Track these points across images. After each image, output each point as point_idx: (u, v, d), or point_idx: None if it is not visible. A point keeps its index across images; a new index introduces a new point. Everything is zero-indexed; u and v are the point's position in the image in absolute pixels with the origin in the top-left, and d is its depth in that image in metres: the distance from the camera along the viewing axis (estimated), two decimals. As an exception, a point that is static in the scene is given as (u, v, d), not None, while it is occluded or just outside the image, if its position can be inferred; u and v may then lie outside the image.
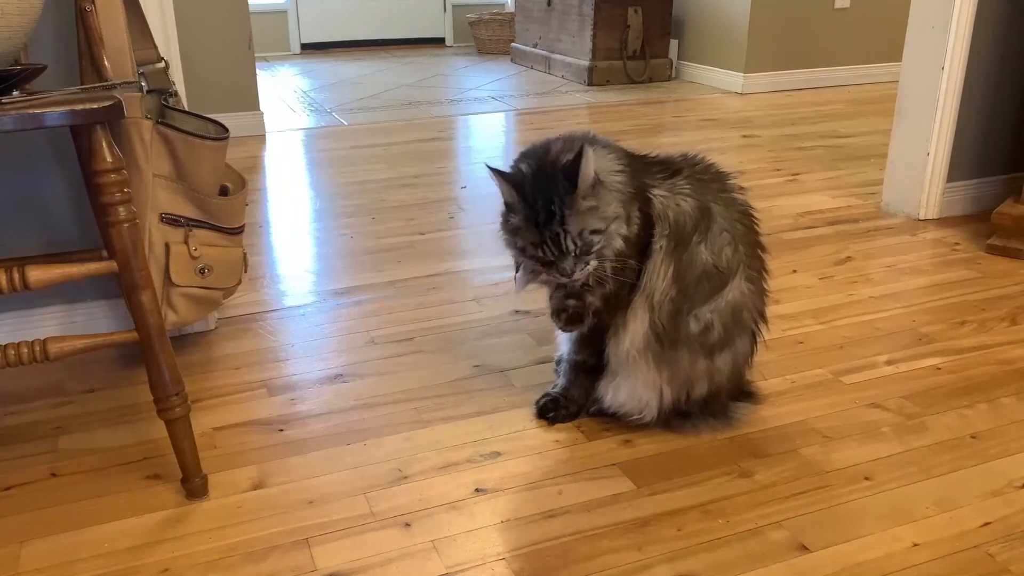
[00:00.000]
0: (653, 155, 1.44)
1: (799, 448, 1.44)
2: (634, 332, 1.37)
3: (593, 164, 1.27)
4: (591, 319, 1.41)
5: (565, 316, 1.41)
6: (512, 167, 1.36)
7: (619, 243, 1.31)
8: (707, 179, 1.40)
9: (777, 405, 1.57)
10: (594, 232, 1.28)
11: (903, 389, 1.62)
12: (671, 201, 1.35)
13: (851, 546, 1.21)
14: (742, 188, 1.44)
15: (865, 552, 1.20)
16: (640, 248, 1.35)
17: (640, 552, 1.20)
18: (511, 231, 1.34)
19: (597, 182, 1.28)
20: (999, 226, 2.28)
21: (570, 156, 1.28)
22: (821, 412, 1.55)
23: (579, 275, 1.30)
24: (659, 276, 1.35)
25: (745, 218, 1.42)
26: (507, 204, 1.34)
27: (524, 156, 1.36)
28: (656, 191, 1.36)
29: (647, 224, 1.35)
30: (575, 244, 1.28)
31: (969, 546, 1.21)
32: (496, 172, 1.32)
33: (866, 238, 2.42)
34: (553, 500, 1.31)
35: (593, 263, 1.30)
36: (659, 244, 1.35)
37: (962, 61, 2.40)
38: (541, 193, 1.28)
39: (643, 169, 1.38)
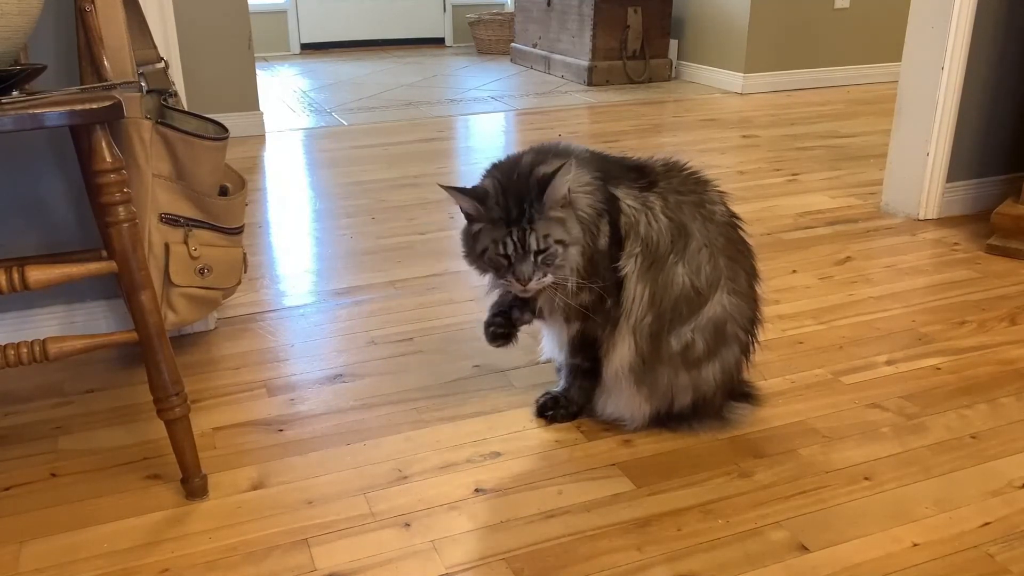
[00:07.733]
0: (631, 160, 1.44)
1: (799, 448, 1.44)
2: (621, 354, 1.39)
3: (568, 182, 1.28)
4: (579, 323, 1.41)
5: (491, 331, 1.47)
6: (480, 182, 1.37)
7: (576, 261, 1.32)
8: (684, 191, 1.38)
9: (777, 405, 1.57)
10: (558, 242, 1.29)
11: (903, 389, 1.62)
12: (641, 216, 1.35)
13: (851, 546, 1.21)
14: (723, 193, 1.43)
15: (865, 552, 1.20)
16: (611, 261, 1.35)
17: (640, 552, 1.20)
18: (473, 236, 1.35)
19: (567, 202, 1.30)
20: (999, 226, 2.28)
21: (545, 168, 1.30)
22: (821, 412, 1.55)
23: (534, 285, 1.31)
24: (637, 299, 1.35)
25: (726, 228, 1.40)
26: (468, 215, 1.36)
27: (493, 168, 1.38)
28: (627, 202, 1.35)
29: (616, 235, 1.34)
30: (537, 244, 1.28)
31: (969, 546, 1.21)
32: (452, 189, 1.33)
33: (866, 238, 2.42)
34: (553, 500, 1.31)
35: (549, 277, 1.31)
36: (631, 262, 1.34)
37: (962, 61, 2.40)
38: (513, 196, 1.29)
39: (618, 176, 1.38)
